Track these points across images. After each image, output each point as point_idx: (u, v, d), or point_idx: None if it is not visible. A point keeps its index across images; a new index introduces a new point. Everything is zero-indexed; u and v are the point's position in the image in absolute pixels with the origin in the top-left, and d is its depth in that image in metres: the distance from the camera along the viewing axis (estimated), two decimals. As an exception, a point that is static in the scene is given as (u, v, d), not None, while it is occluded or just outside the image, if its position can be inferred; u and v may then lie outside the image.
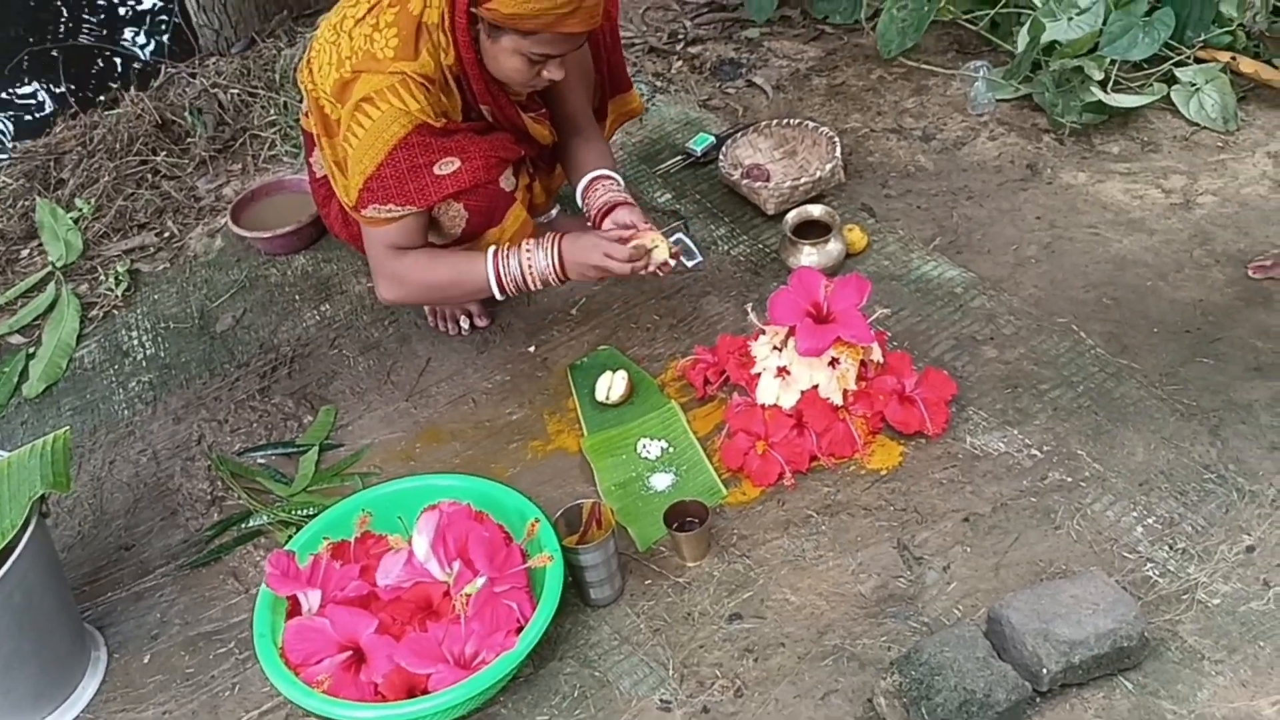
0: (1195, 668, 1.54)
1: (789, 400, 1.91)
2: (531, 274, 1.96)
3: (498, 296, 2.00)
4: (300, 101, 2.85)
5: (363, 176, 1.87)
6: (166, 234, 2.66)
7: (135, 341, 2.41)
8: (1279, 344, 2.02)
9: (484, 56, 1.88)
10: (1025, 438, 1.90)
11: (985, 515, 1.78)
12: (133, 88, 3.07)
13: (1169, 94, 2.61)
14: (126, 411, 2.25)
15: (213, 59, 3.32)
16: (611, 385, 2.06)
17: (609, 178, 2.11)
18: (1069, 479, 1.82)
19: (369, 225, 1.96)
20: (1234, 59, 2.63)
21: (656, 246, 1.96)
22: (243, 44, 3.35)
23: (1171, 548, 1.70)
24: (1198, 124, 2.57)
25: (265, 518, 1.95)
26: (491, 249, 1.98)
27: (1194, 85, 2.60)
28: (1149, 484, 1.80)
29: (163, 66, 3.29)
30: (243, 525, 1.96)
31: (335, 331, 2.35)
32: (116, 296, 2.50)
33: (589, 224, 2.11)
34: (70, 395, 2.32)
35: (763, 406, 1.92)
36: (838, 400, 1.90)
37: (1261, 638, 1.56)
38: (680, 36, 3.15)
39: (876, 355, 1.94)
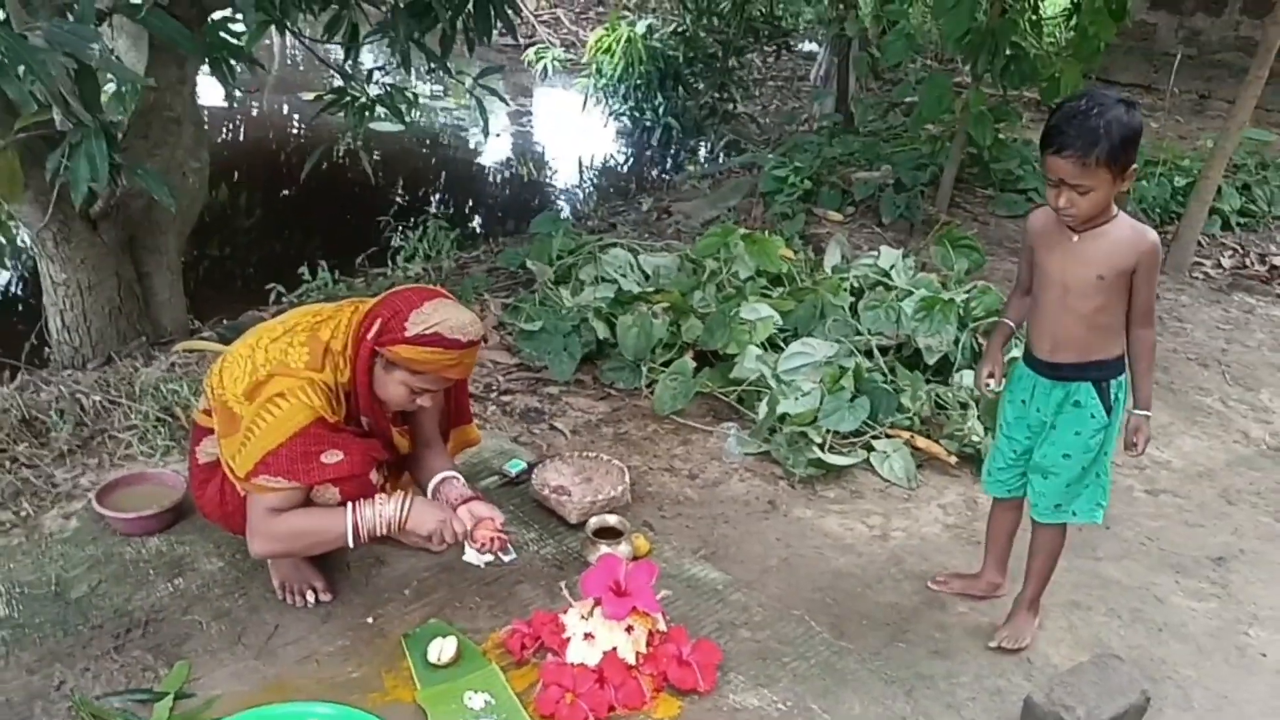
0: None
1: (593, 659, 2.38)
2: (380, 520, 2.42)
3: (350, 545, 2.43)
4: (174, 407, 3.29)
5: (263, 452, 2.32)
6: (22, 514, 2.89)
7: (-13, 604, 2.58)
8: (950, 634, 2.71)
9: (374, 381, 2.44)
10: (774, 696, 2.43)
11: (746, 752, 2.27)
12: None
13: (868, 458, 3.47)
14: (-25, 665, 2.39)
15: (67, 371, 3.68)
16: (442, 649, 2.46)
17: (457, 478, 2.65)
18: (806, 726, 2.36)
19: (256, 492, 2.37)
20: (912, 436, 3.56)
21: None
22: (99, 361, 3.74)
23: (882, 775, 2.24)
24: (890, 480, 3.42)
25: (120, 755, 2.15)
26: (350, 504, 2.43)
27: (885, 453, 3.48)
28: (864, 730, 2.36)
29: (19, 372, 3.60)
30: (98, 763, 2.14)
31: (188, 601, 2.63)
32: (-32, 564, 2.67)
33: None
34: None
35: (571, 665, 2.38)
36: (631, 660, 2.39)
37: (946, 837, 2.09)
38: (494, 388, 3.83)
39: (661, 625, 2.47)
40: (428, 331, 2.34)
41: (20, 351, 3.72)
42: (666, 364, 3.84)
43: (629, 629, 2.42)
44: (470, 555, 2.72)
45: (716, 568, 2.90)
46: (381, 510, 2.44)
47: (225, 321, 4.58)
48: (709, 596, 2.77)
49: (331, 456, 2.38)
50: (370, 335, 2.40)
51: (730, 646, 2.57)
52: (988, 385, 2.64)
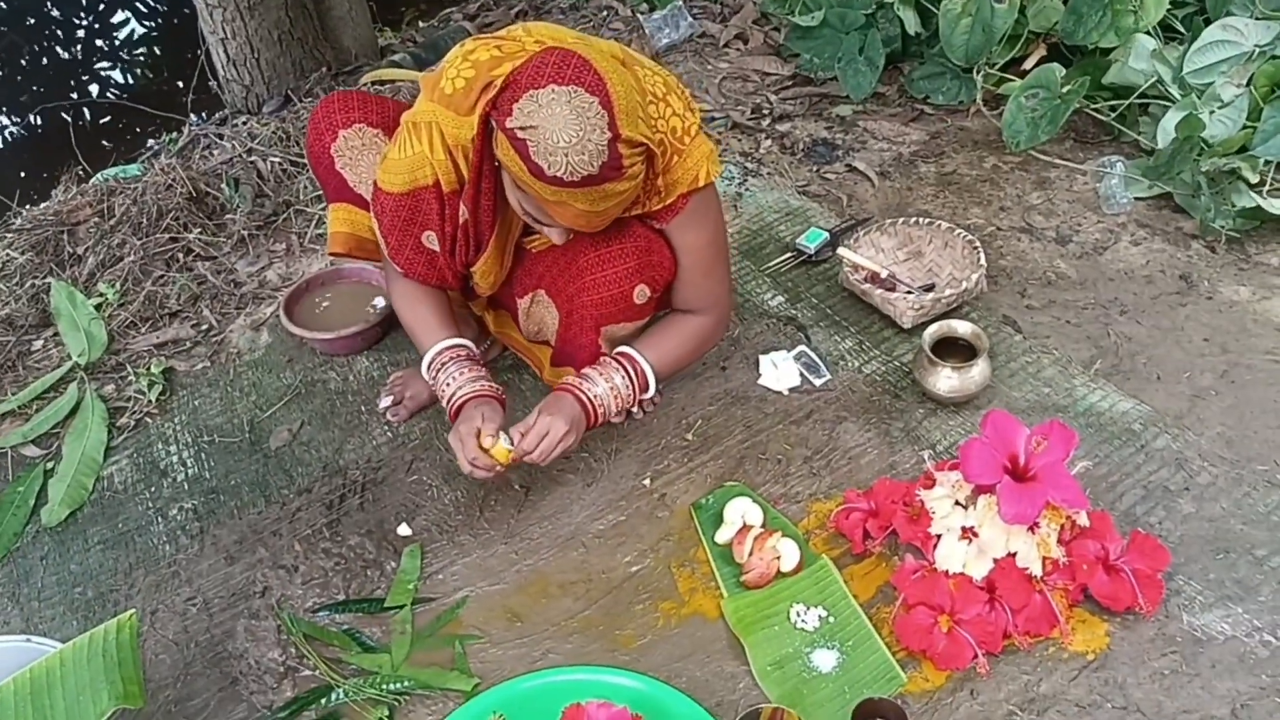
0: None
1: (980, 570, 1.62)
2: (443, 392, 1.81)
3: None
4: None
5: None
6: (204, 326, 2.33)
7: (174, 458, 2.08)
8: None
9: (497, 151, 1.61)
10: (1253, 619, 1.62)
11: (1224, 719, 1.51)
12: (162, 155, 2.75)
13: (1326, 200, 2.39)
14: (169, 547, 1.91)
15: (242, 118, 3.01)
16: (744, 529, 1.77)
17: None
18: (1314, 674, 1.55)
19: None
20: (1392, 163, 2.41)
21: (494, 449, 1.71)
22: (275, 103, 3.05)
23: None
24: (1360, 234, 2.35)
25: (350, 695, 1.63)
26: (436, 346, 1.81)
27: (1352, 191, 2.38)
28: None
29: (186, 125, 2.97)
30: (324, 702, 1.63)
31: (411, 452, 2.03)
32: (149, 401, 2.16)
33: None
34: (99, 523, 1.98)
35: (945, 574, 1.64)
36: (1037, 571, 1.62)
37: None
38: (765, 112, 2.89)
39: (1083, 520, 1.66)
40: (520, 132, 1.47)
41: (184, 102, 3.08)
42: (1005, 67, 2.75)
43: (1033, 527, 1.63)
44: (767, 376, 2.01)
45: (1123, 391, 2.02)
46: (447, 385, 1.80)
47: (421, 27, 3.79)
48: (1122, 443, 1.91)
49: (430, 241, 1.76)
50: (491, 95, 1.58)
51: (1169, 530, 1.75)
52: None
